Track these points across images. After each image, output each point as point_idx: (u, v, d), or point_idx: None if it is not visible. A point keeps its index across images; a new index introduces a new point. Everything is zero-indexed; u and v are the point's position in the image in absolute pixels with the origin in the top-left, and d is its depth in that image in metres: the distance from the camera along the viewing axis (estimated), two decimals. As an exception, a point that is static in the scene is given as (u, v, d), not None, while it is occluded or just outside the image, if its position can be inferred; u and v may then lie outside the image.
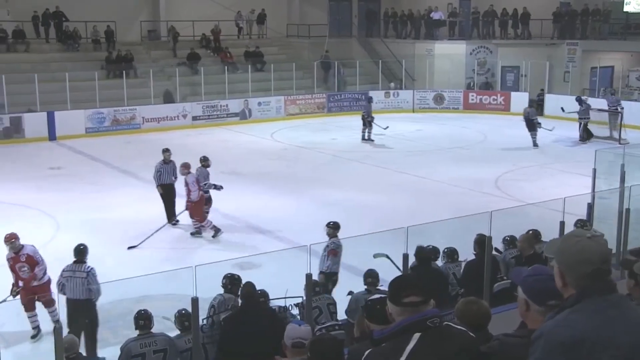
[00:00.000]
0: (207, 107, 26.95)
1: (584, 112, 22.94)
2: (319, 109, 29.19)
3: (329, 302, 7.87)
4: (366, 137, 23.40)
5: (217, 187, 13.76)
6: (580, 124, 23.04)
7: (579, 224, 9.74)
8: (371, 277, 7.93)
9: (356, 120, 27.33)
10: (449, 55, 30.98)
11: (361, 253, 10.26)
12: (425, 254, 8.50)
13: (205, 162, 14.01)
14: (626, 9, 28.89)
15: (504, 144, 22.91)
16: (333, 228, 9.80)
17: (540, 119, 23.12)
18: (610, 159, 12.81)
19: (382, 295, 3.27)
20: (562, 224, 9.50)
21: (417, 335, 2.75)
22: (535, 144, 22.16)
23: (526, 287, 2.86)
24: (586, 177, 13.29)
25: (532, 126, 22.38)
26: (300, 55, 31.80)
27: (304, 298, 7.55)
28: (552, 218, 10.21)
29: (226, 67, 28.61)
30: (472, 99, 30.10)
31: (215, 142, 23.37)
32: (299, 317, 7.40)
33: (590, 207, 11.03)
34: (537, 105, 27.96)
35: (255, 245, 12.57)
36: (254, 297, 7.19)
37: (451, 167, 19.37)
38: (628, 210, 10.26)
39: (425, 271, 8.21)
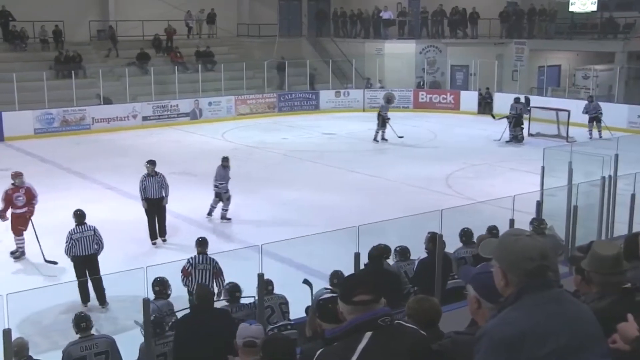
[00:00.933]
0: (158, 107, 26.64)
1: (520, 111, 23.25)
2: (270, 108, 29.11)
3: (281, 301, 7.82)
4: (378, 138, 23.18)
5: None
6: (510, 122, 23.19)
7: (535, 222, 9.90)
8: (337, 277, 7.93)
9: (306, 120, 27.39)
10: (399, 54, 31.23)
11: (313, 252, 10.28)
12: (377, 253, 8.50)
13: (225, 162, 14.58)
14: (571, 9, 29.57)
15: (454, 142, 23.17)
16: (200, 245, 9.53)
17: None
18: (557, 157, 13.02)
19: (334, 294, 3.24)
20: (512, 221, 9.61)
21: (368, 334, 2.75)
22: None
23: (477, 284, 2.87)
24: (535, 175, 13.50)
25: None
26: (251, 55, 31.66)
27: (256, 298, 7.49)
28: (502, 216, 10.32)
29: (176, 67, 28.31)
30: (422, 98, 30.38)
31: (166, 142, 23.14)
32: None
33: (539, 204, 11.19)
34: (485, 104, 28.47)
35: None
36: (208, 299, 7.12)
37: (402, 165, 19.50)
38: (576, 207, 10.44)
39: (376, 270, 8.21)
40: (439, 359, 2.92)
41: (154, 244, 13.20)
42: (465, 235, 9.59)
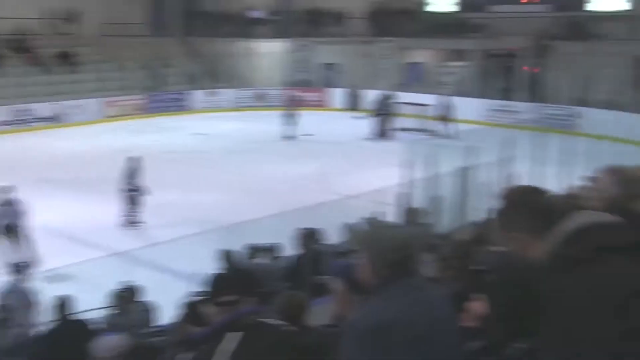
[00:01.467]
0: (16, 111, 25.24)
1: (385, 107, 23.97)
2: (140, 110, 28.40)
3: (148, 308, 7.68)
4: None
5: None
6: (379, 119, 23.98)
7: (409, 213, 10.25)
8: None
9: (177, 121, 26.95)
10: (269, 53, 31.29)
11: (185, 255, 10.15)
12: (241, 253, 8.51)
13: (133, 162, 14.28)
14: (429, 8, 30.78)
15: (325, 139, 23.52)
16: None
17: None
18: (420, 150, 13.51)
19: (202, 297, 3.24)
20: (380, 214, 9.89)
21: (236, 334, 2.75)
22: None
23: (345, 277, 2.92)
24: (401, 168, 13.94)
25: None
26: (118, 55, 30.67)
27: (120, 305, 7.33)
28: (371, 209, 10.58)
29: (36, 69, 26.99)
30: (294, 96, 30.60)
31: (25, 148, 21.99)
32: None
33: (405, 196, 11.56)
34: (354, 101, 29.12)
35: (70, 255, 11.88)
36: (68, 312, 6.89)
37: (274, 164, 19.58)
38: (438, 197, 10.90)
39: (243, 269, 8.22)
40: (305, 353, 2.96)
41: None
42: (341, 230, 9.72)
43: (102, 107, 27.34)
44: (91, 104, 27.03)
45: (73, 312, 7.11)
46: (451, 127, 23.67)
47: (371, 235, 2.68)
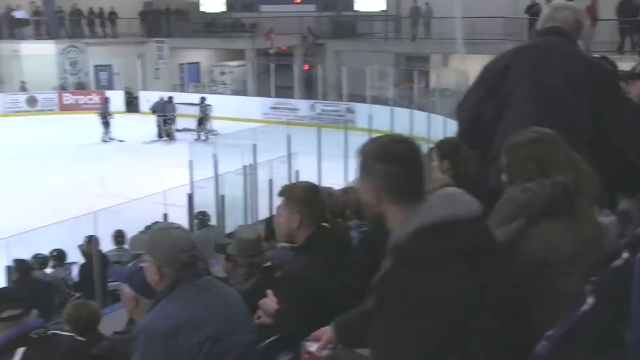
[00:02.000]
0: None
1: (165, 109, 23.79)
2: None
3: None
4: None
5: None
6: (161, 120, 23.73)
7: (200, 215, 10.23)
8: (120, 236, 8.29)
9: None
10: (38, 55, 29.50)
11: None
12: (26, 265, 8.08)
13: None
14: (202, 9, 30.89)
15: (104, 142, 22.79)
16: None
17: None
18: (203, 150, 13.59)
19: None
20: (165, 216, 9.83)
21: (21, 350, 2.67)
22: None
23: (133, 283, 2.90)
24: (185, 169, 13.91)
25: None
26: None
27: None
28: (156, 212, 10.49)
29: None
30: (67, 100, 29.24)
31: None
32: None
33: (191, 197, 11.56)
34: (130, 102, 28.47)
35: None
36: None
37: (52, 170, 18.60)
38: (223, 196, 11.04)
39: (27, 282, 7.81)
40: (98, 362, 2.93)
41: None
42: (119, 236, 9.51)
43: None
44: None
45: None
46: (208, 127, 23.85)
47: (155, 238, 2.67)
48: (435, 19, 26.09)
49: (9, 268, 7.60)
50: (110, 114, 23.56)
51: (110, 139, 23.25)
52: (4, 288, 6.26)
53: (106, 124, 23.36)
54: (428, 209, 1.83)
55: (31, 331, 2.70)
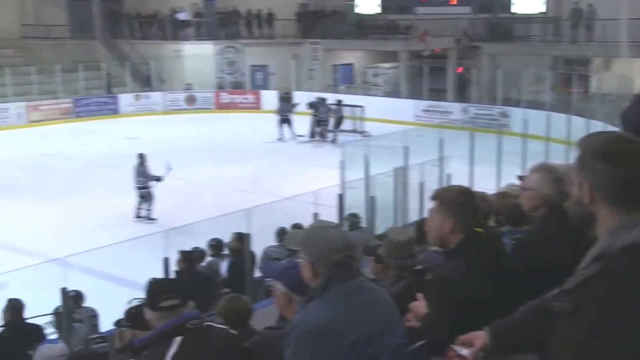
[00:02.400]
0: None
1: (318, 110, 24.07)
2: (66, 114, 27.69)
3: (91, 314, 7.53)
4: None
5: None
6: (315, 120, 24.02)
7: (351, 217, 10.32)
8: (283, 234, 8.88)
9: (105, 125, 26.46)
10: (198, 55, 30.96)
11: (123, 260, 9.96)
12: (191, 256, 8.44)
13: (141, 159, 14.83)
14: (357, 10, 31.11)
15: (258, 141, 23.44)
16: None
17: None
18: (355, 151, 13.64)
19: (143, 302, 3.19)
20: (316, 215, 9.91)
21: (178, 339, 2.72)
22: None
23: (287, 280, 2.90)
24: (336, 169, 14.04)
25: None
26: (40, 58, 29.83)
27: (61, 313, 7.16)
28: (306, 211, 10.61)
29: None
30: (224, 99, 30.42)
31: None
32: (56, 335, 7.00)
33: (341, 197, 11.63)
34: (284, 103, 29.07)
35: (1, 263, 11.58)
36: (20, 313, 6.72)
37: (207, 166, 19.41)
38: (373, 197, 11.01)
39: (191, 273, 8.15)
40: (250, 356, 2.95)
41: None
42: (282, 233, 9.69)
43: (25, 111, 26.52)
44: (13, 109, 26.21)
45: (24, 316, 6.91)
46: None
47: (312, 237, 2.67)
48: (598, 21, 24.87)
49: (166, 260, 7.94)
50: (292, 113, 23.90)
51: (297, 135, 23.59)
52: (164, 279, 6.56)
53: (288, 122, 23.70)
54: None
55: (188, 322, 2.75)
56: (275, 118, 24.16)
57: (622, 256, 1.65)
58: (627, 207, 1.72)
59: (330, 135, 23.65)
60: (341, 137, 22.62)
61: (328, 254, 2.56)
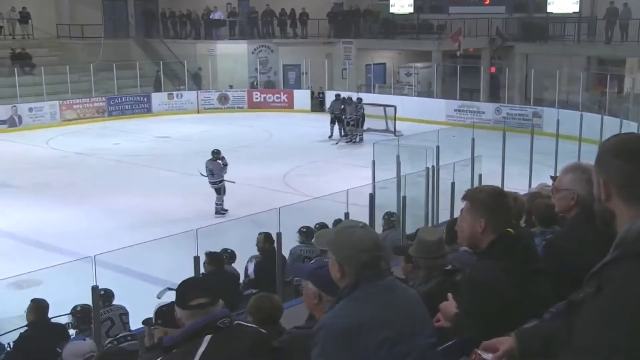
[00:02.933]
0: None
1: (350, 109, 24.01)
2: (99, 113, 28.04)
3: (122, 312, 7.59)
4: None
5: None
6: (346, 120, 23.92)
7: (386, 216, 10.30)
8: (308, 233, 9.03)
9: (138, 124, 26.70)
10: (231, 55, 31.17)
11: (153, 259, 10.05)
12: (219, 257, 8.47)
13: (216, 154, 15.26)
14: (392, 10, 31.02)
15: (290, 140, 23.49)
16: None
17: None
18: (386, 151, 13.61)
19: (173, 301, 3.20)
20: (347, 214, 9.89)
21: (207, 338, 2.72)
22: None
23: (317, 279, 2.89)
24: (367, 169, 14.01)
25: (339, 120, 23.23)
26: (75, 57, 30.25)
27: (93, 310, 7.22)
28: (337, 210, 10.60)
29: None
30: (257, 98, 30.54)
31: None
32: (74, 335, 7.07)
33: (372, 197, 11.61)
34: (319, 102, 29.07)
35: (35, 261, 11.74)
36: (44, 313, 6.80)
37: (239, 165, 19.39)
38: (404, 197, 10.97)
39: (219, 274, 8.17)
40: (279, 355, 2.94)
41: None
42: (304, 232, 9.70)
43: (59, 110, 26.89)
44: (48, 107, 26.58)
45: (48, 315, 7.00)
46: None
47: (338, 236, 2.65)
48: (632, 20, 24.50)
49: (196, 259, 7.98)
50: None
51: (344, 135, 23.61)
52: (195, 277, 6.59)
53: (340, 121, 23.73)
54: None
55: (218, 320, 2.75)
56: (328, 117, 24.38)
57: (639, 239, 1.67)
58: None
59: (357, 135, 23.62)
60: (373, 136, 22.54)
61: (355, 254, 2.55)
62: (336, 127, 23.88)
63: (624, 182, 1.77)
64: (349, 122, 23.76)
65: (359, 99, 24.57)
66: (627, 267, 1.65)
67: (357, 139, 23.35)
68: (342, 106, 23.95)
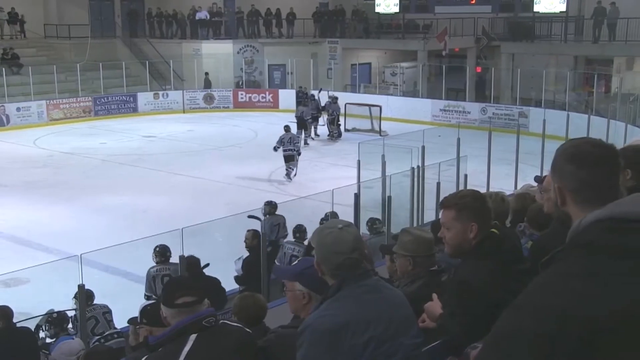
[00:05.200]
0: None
1: (334, 108, 24.00)
2: (85, 112, 27.90)
3: (104, 310, 7.59)
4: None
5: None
6: (327, 120, 24.01)
7: (369, 222, 10.29)
8: (299, 231, 9.25)
9: (124, 123, 26.60)
10: (217, 54, 31.10)
11: (138, 258, 10.02)
12: (195, 260, 8.38)
13: (286, 128, 18.82)
14: (377, 10, 31.07)
15: (275, 140, 23.39)
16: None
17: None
18: (372, 150, 13.63)
19: (159, 299, 3.21)
20: (330, 214, 9.94)
21: (193, 336, 2.73)
22: (305, 143, 22.54)
23: (306, 279, 2.88)
24: (352, 169, 14.04)
25: (304, 125, 23.06)
26: (62, 57, 30.12)
27: (77, 310, 7.21)
28: (323, 209, 10.65)
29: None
30: (242, 98, 30.50)
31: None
32: (72, 330, 7.05)
33: (357, 196, 11.63)
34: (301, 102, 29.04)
35: (22, 259, 11.71)
36: (8, 317, 6.72)
37: (225, 165, 19.49)
38: (390, 197, 11.00)
39: (197, 276, 8.12)
40: (264, 355, 2.96)
41: None
42: (298, 231, 9.67)
43: (46, 109, 26.77)
44: (35, 107, 26.44)
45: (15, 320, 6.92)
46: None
47: (319, 237, 2.66)
48: (621, 20, 24.67)
49: (181, 258, 7.99)
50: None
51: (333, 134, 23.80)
52: (181, 276, 6.62)
53: (336, 121, 23.79)
54: (610, 205, 1.69)
55: (203, 319, 2.77)
56: (324, 118, 24.37)
57: (583, 231, 1.69)
58: (595, 206, 1.73)
59: (336, 132, 23.70)
60: (358, 136, 22.59)
61: (330, 256, 2.58)
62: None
63: (575, 187, 1.81)
64: (332, 120, 23.78)
65: (334, 97, 24.47)
66: (569, 256, 1.67)
67: (336, 136, 23.40)
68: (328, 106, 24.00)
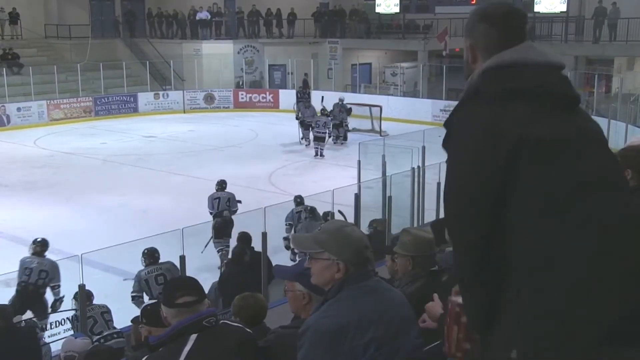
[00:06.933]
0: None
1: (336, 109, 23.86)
2: (86, 112, 27.91)
3: (103, 310, 7.60)
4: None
5: None
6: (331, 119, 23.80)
7: (374, 224, 10.25)
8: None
9: (125, 123, 26.60)
10: (217, 54, 31.11)
11: (138, 258, 10.02)
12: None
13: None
14: (377, 10, 31.07)
15: (275, 140, 23.49)
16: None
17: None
18: (372, 151, 13.64)
19: (159, 299, 3.21)
20: (332, 214, 9.95)
21: (193, 336, 2.73)
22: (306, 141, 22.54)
23: (307, 280, 2.84)
24: (353, 169, 14.04)
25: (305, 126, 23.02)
26: (62, 57, 30.13)
27: (77, 309, 7.22)
28: (323, 209, 10.66)
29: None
30: (242, 98, 30.50)
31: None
32: (73, 330, 7.07)
33: (357, 197, 11.63)
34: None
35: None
36: (7, 317, 6.73)
37: (225, 165, 19.47)
38: (390, 197, 11.00)
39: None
40: (265, 355, 2.96)
41: None
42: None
43: (47, 109, 26.78)
44: (35, 107, 26.45)
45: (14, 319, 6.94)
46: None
47: (341, 235, 2.64)
48: (622, 20, 24.68)
49: (182, 258, 8.00)
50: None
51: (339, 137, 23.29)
52: (181, 277, 6.62)
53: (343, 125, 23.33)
54: (500, 54, 1.85)
55: (203, 319, 2.76)
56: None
57: (476, 82, 1.84)
58: None
59: (342, 136, 23.57)
60: (359, 136, 22.56)
61: (360, 251, 2.57)
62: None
63: (486, 45, 1.90)
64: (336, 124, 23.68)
65: (345, 106, 24.24)
66: (465, 111, 1.83)
67: (337, 136, 23.32)
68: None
